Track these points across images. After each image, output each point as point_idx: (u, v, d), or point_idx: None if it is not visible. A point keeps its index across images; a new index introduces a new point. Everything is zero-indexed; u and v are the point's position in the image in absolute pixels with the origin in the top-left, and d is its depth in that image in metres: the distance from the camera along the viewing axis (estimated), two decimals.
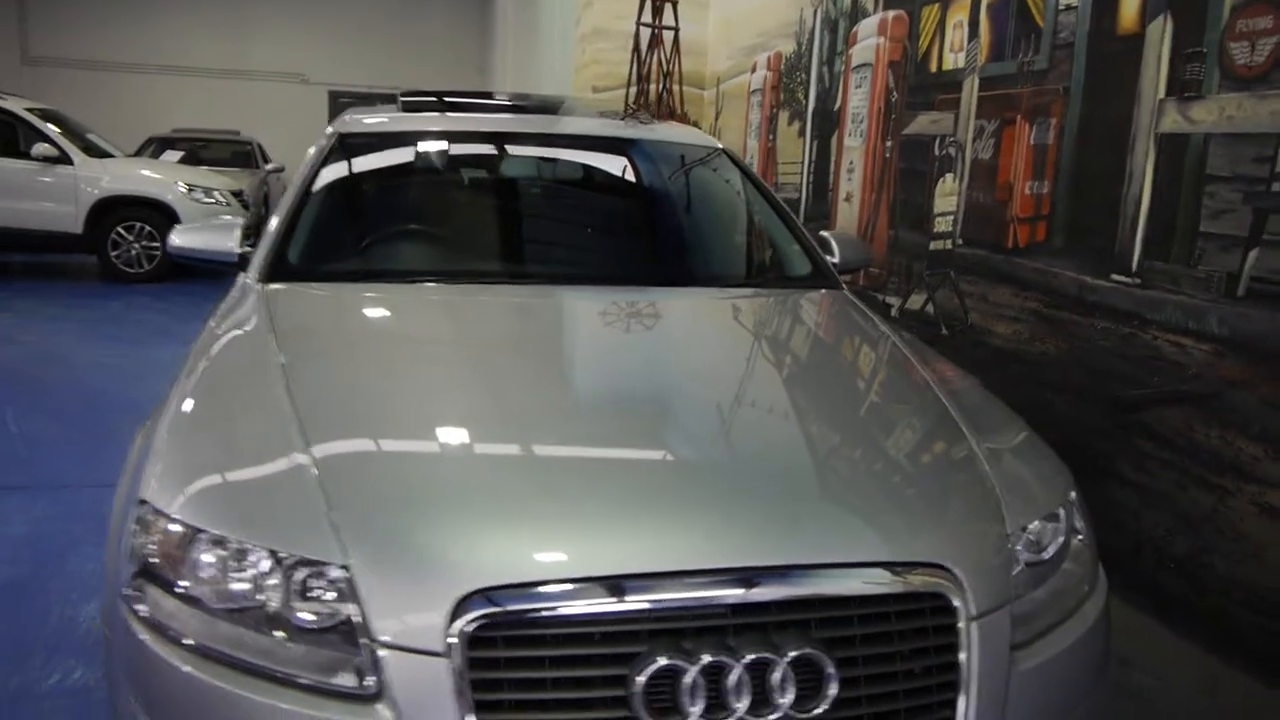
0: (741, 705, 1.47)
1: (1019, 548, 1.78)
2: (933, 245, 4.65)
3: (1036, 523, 1.85)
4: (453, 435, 1.86)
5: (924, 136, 4.75)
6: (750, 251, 3.31)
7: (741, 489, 1.71)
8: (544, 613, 1.47)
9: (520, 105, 3.75)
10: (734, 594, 1.51)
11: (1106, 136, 3.58)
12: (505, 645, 1.46)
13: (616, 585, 1.49)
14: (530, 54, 11.11)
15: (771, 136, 6.48)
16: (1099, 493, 3.57)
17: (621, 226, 3.28)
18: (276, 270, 2.72)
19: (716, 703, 1.47)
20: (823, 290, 2.92)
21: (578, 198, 3.36)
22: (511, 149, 3.34)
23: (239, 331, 2.36)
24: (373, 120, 3.35)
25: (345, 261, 2.87)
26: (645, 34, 7.44)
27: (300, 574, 1.52)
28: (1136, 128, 3.44)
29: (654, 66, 7.47)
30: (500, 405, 1.97)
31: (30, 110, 9.91)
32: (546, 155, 3.36)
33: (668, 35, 7.48)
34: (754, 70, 6.80)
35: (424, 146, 3.28)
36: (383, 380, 2.08)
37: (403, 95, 3.66)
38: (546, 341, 2.42)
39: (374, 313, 2.55)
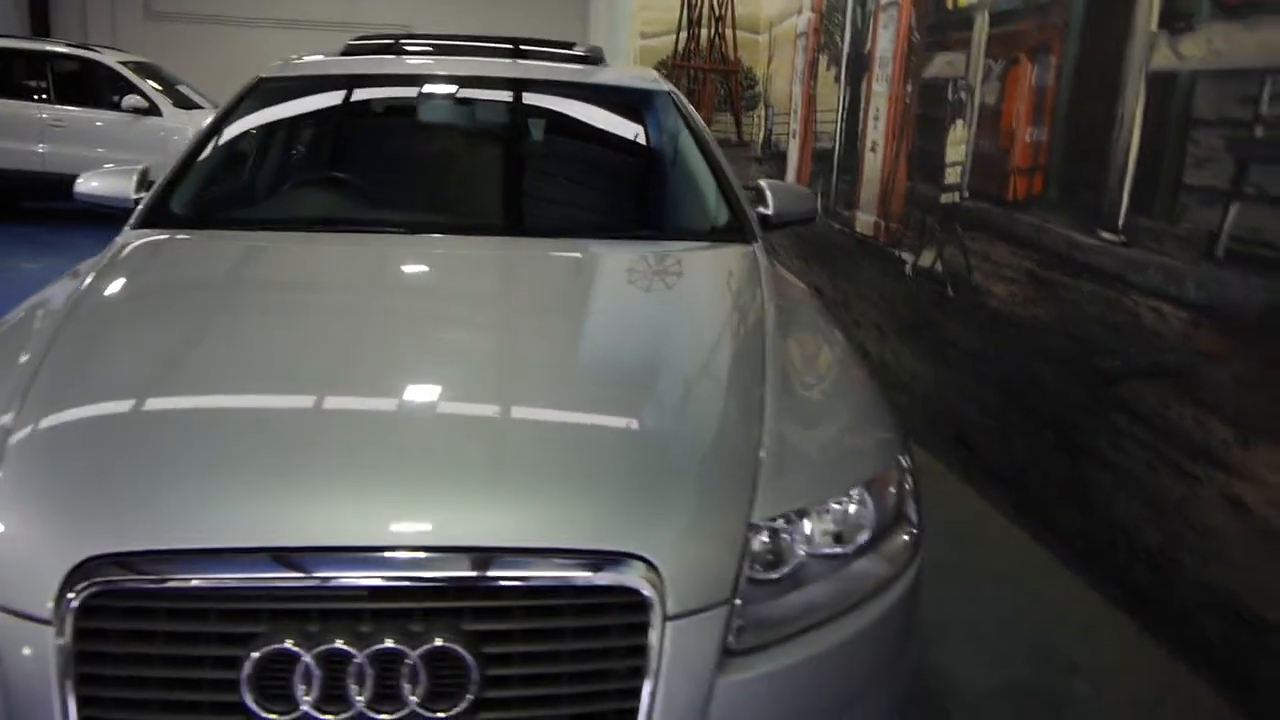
0: (361, 699, 1.33)
1: (767, 539, 1.55)
2: (943, 198, 4.29)
3: (816, 511, 1.62)
4: (182, 395, 1.75)
5: (940, 80, 4.37)
6: (663, 202, 3.07)
7: (444, 463, 1.55)
8: (158, 584, 1.36)
9: (477, 48, 3.58)
10: (368, 575, 1.37)
11: (1099, 77, 3.18)
12: (118, 617, 1.36)
13: (238, 558, 1.37)
14: (611, 2, 10.88)
15: (812, 82, 6.12)
16: (1073, 472, 3.23)
17: (530, 175, 3.09)
18: (152, 217, 2.66)
19: (338, 694, 1.33)
20: (729, 245, 2.67)
21: (492, 145, 3.18)
22: (435, 93, 3.19)
23: (65, 280, 2.30)
24: (299, 64, 3.25)
25: (225, 209, 2.81)
26: None
27: None
28: (1128, 66, 3.03)
29: (705, 10, 7.17)
30: (267, 363, 1.86)
31: (124, 63, 10.27)
32: (471, 100, 3.19)
33: None
34: (800, 12, 6.43)
35: (339, 91, 3.16)
36: (163, 336, 1.99)
37: (352, 40, 3.54)
38: (373, 295, 2.28)
39: (216, 262, 2.46)
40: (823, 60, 5.96)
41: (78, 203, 2.92)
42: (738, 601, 1.48)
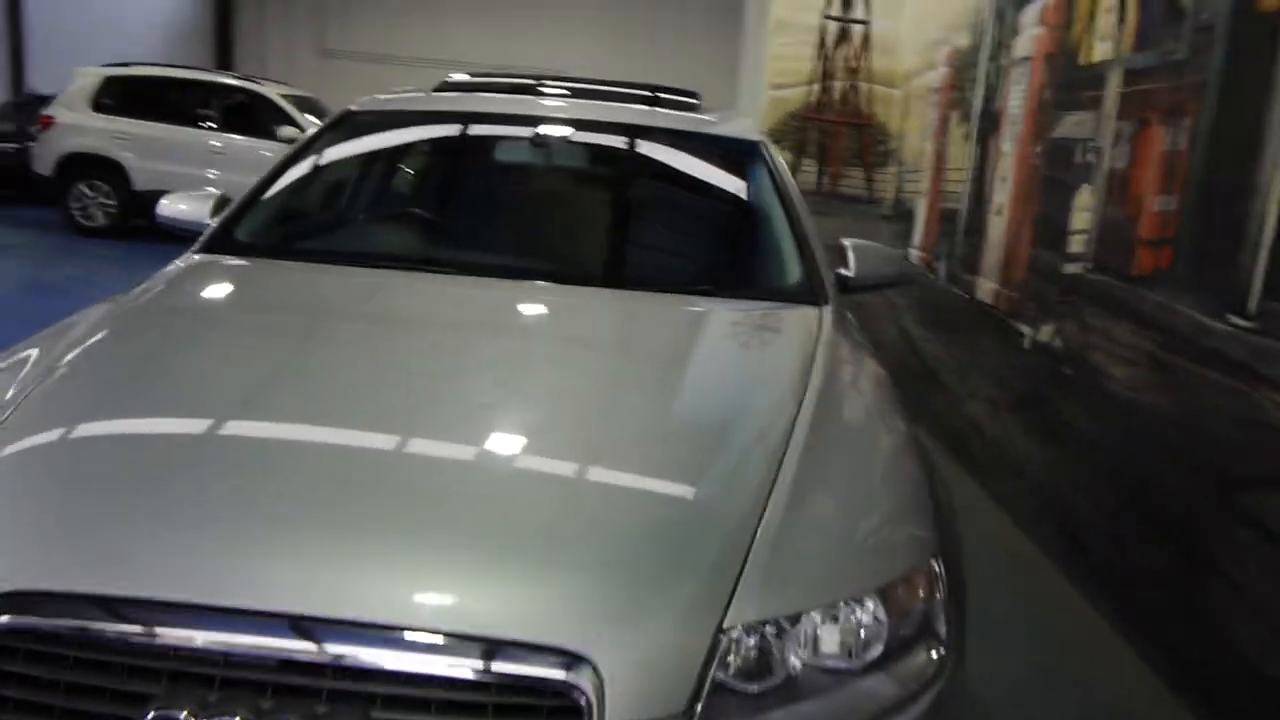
0: None
1: (753, 644, 1.36)
2: (1065, 268, 3.96)
3: (816, 616, 1.41)
4: (156, 426, 1.68)
5: (1069, 141, 4.06)
6: (729, 257, 2.88)
7: (389, 529, 1.41)
8: (65, 630, 1.27)
9: (577, 89, 3.50)
10: (277, 645, 1.24)
11: (1236, 140, 2.85)
12: (25, 661, 1.27)
13: (150, 611, 1.27)
14: (757, 50, 10.81)
15: (943, 140, 5.84)
16: (1192, 588, 2.86)
17: (597, 221, 2.96)
18: (215, 242, 2.65)
19: None
20: (794, 307, 2.46)
21: (564, 187, 3.08)
22: (513, 133, 3.11)
23: (108, 300, 2.30)
24: (388, 99, 3.24)
25: (290, 239, 2.77)
26: (832, 29, 6.97)
27: None
28: (1268, 129, 2.70)
29: (840, 63, 6.98)
30: (258, 398, 1.77)
31: (285, 96, 10.78)
32: (548, 141, 3.10)
33: (856, 30, 6.97)
34: (934, 67, 6.17)
35: (420, 128, 3.13)
36: (162, 362, 1.93)
37: (448, 79, 3.52)
38: (399, 336, 2.18)
39: (254, 290, 2.42)
40: (954, 117, 5.68)
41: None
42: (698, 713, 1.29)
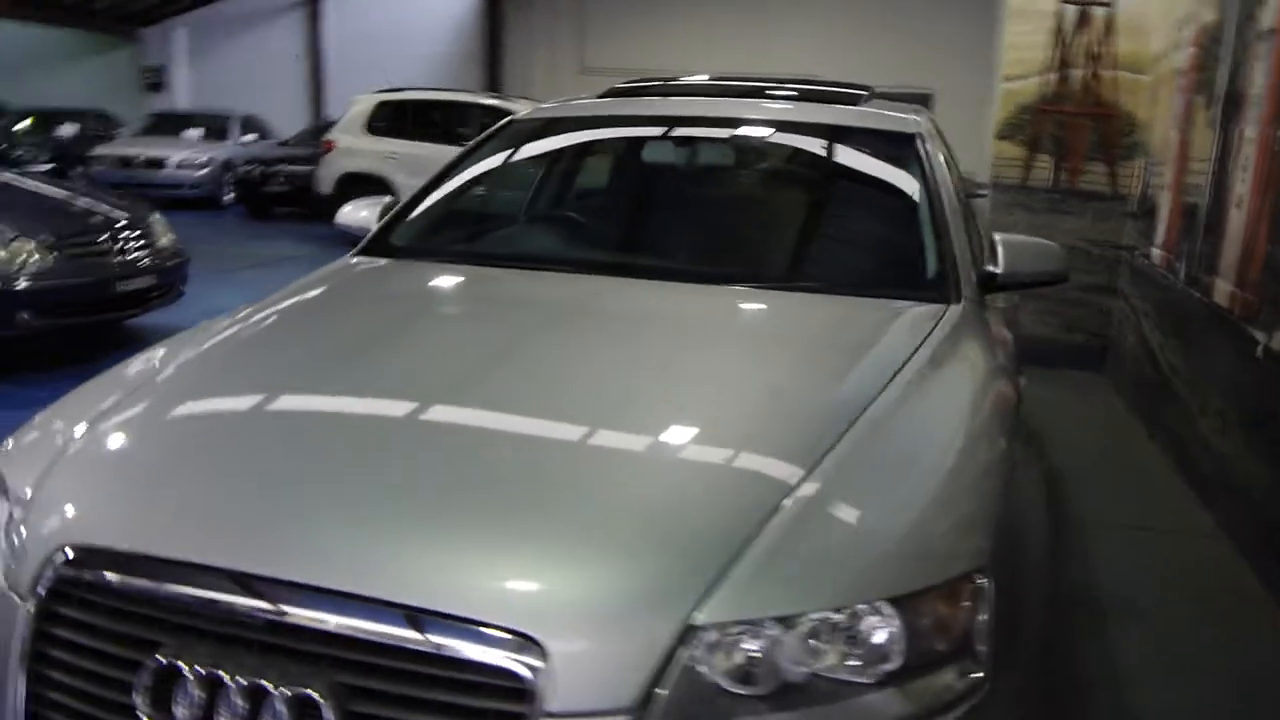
0: None
1: (748, 643, 1.30)
2: None
3: (815, 620, 1.34)
4: (240, 410, 1.83)
5: None
6: (861, 252, 2.75)
7: (396, 508, 1.47)
8: (100, 582, 1.43)
9: (733, 90, 3.48)
10: (261, 607, 1.34)
11: None
12: (76, 606, 1.44)
13: (162, 568, 1.41)
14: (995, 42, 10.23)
15: (1187, 128, 5.28)
16: None
17: (735, 220, 2.91)
18: (373, 245, 2.84)
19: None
20: (919, 304, 2.33)
21: (705, 187, 3.06)
22: (663, 135, 3.13)
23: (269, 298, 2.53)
24: (552, 106, 3.36)
25: (445, 242, 2.91)
26: (1071, 13, 6.48)
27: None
28: None
29: (1080, 49, 6.49)
30: (357, 390, 1.88)
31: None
32: (697, 142, 3.11)
33: (1099, 13, 6.45)
34: (1179, 47, 5.59)
35: (577, 133, 3.22)
36: (284, 354, 2.09)
37: (615, 85, 3.60)
38: (496, 326, 2.25)
39: (390, 288, 2.57)
40: (1198, 102, 5.13)
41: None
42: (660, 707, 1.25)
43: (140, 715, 1.34)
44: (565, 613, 1.30)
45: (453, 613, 1.28)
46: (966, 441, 1.79)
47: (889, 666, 1.37)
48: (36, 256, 5.44)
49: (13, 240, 5.38)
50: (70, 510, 1.56)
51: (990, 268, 2.57)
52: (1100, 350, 6.63)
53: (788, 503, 1.48)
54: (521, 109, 10.96)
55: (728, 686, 1.31)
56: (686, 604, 1.30)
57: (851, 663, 1.36)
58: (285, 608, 1.33)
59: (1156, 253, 5.66)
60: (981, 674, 1.43)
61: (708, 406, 1.83)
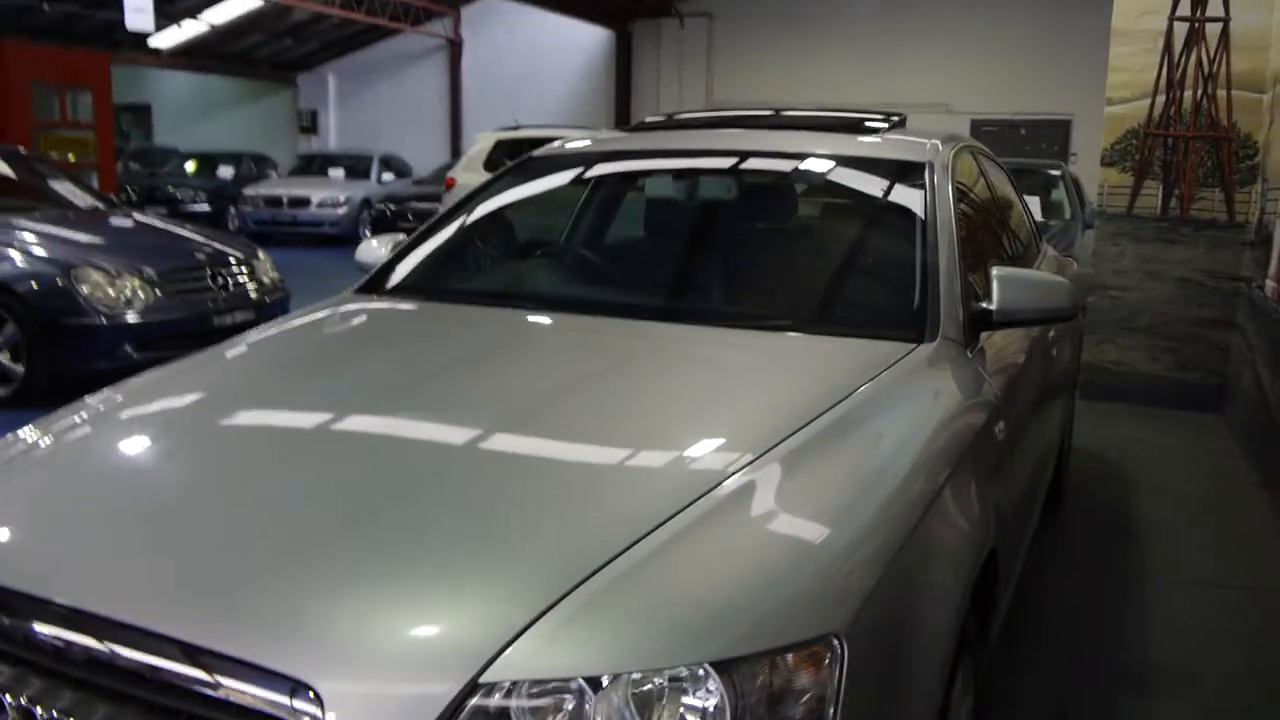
0: None
1: (511, 700, 1.24)
2: None
3: (622, 679, 1.26)
4: (135, 446, 1.92)
5: None
6: (835, 290, 2.61)
7: (225, 549, 1.48)
8: None
9: (758, 122, 3.40)
10: (73, 640, 1.37)
11: None
12: None
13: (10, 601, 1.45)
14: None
15: None
16: None
17: (724, 258, 2.82)
18: (371, 283, 2.89)
19: None
20: (879, 342, 2.22)
21: (709, 223, 2.98)
22: (666, 169, 3.09)
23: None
24: (575, 141, 3.36)
25: (435, 281, 2.93)
26: (1182, 31, 6.10)
27: None
28: None
29: (1190, 68, 6.11)
30: (236, 428, 1.93)
31: None
32: (699, 178, 3.05)
33: (1212, 29, 6.06)
34: None
35: (586, 169, 3.21)
36: (207, 393, 2.12)
37: (643, 119, 3.58)
38: (450, 370, 2.23)
39: (353, 328, 2.59)
40: None
41: None
42: None
43: None
44: (344, 660, 1.26)
45: (229, 654, 1.27)
46: (859, 495, 1.67)
47: None
48: (141, 293, 5.80)
49: (118, 277, 5.75)
50: None
51: (984, 305, 2.41)
52: (1216, 390, 6.17)
53: (633, 550, 1.42)
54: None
55: None
56: (478, 661, 1.25)
57: None
58: (89, 641, 1.35)
59: (1271, 285, 5.23)
60: None
61: (602, 442, 1.79)
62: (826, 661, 1.36)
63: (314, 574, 1.40)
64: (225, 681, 1.26)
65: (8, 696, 1.35)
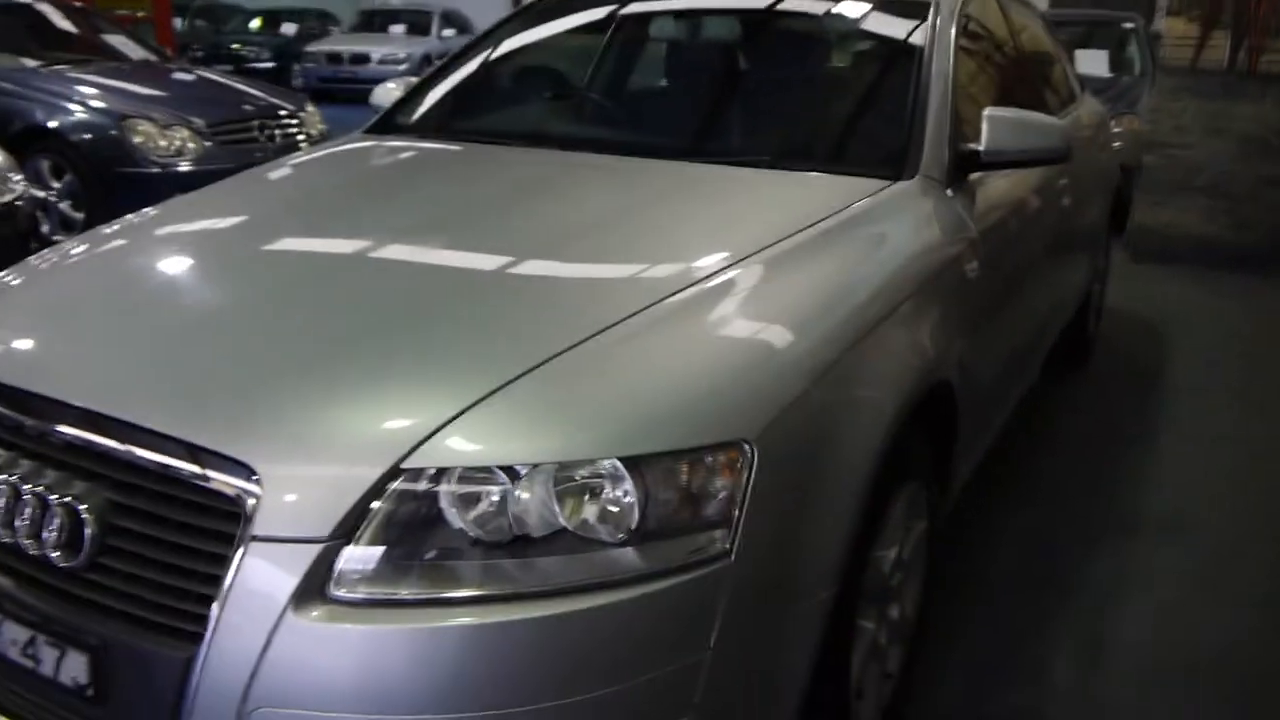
0: (19, 524, 1.48)
1: (439, 485, 1.36)
2: None
3: (541, 469, 1.37)
4: (148, 261, 2.04)
5: None
6: (819, 128, 2.61)
7: (204, 347, 1.62)
8: None
9: None
10: (51, 428, 1.52)
11: None
12: None
13: (4, 393, 1.60)
14: None
15: None
16: None
17: (716, 95, 2.83)
18: (379, 124, 2.97)
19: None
20: (853, 177, 2.25)
21: (707, 61, 2.97)
22: (670, 9, 3.07)
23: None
24: None
25: (443, 119, 2.99)
26: None
27: None
28: None
29: None
30: (250, 248, 2.05)
31: None
32: (701, 20, 3.03)
33: None
34: None
35: (592, 11, 3.19)
36: (224, 219, 2.26)
37: None
38: (442, 197, 2.32)
39: (363, 163, 2.69)
40: None
41: None
42: (348, 547, 1.33)
43: None
44: (280, 443, 1.39)
45: (174, 434, 1.41)
46: (796, 311, 1.73)
47: (622, 527, 1.38)
48: (191, 143, 5.95)
49: (168, 127, 5.90)
50: None
51: (972, 145, 2.40)
52: (1272, 252, 5.99)
53: (571, 352, 1.52)
54: None
55: (461, 527, 1.36)
56: (401, 447, 1.37)
57: (582, 519, 1.38)
58: (66, 429, 1.50)
59: None
60: (727, 546, 1.42)
61: (572, 260, 1.89)
62: (737, 465, 1.45)
63: (273, 374, 1.53)
64: (179, 465, 1.40)
65: (28, 487, 1.50)
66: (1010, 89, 3.18)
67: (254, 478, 1.35)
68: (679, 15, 3.11)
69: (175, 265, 2.04)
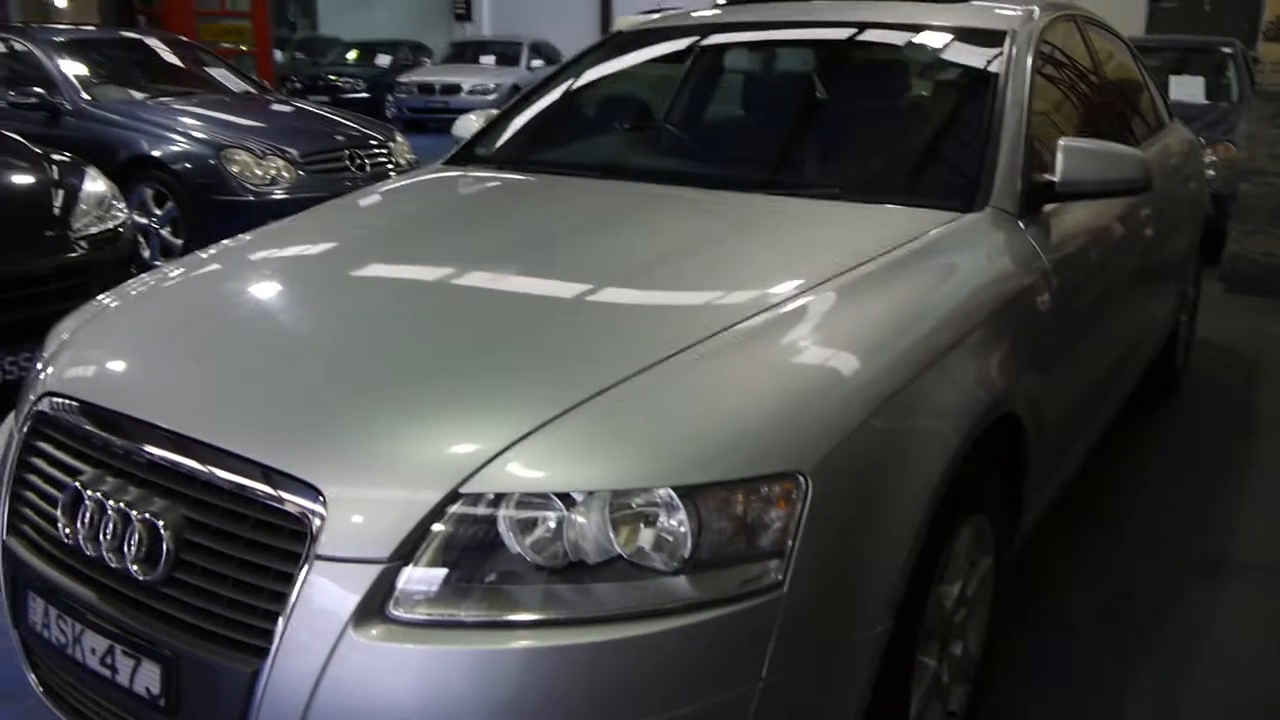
0: (104, 539, 1.55)
1: (495, 511, 1.39)
2: None
3: (598, 496, 1.40)
4: (238, 295, 2.12)
5: None
6: (892, 159, 2.59)
7: (284, 377, 1.69)
8: (58, 420, 1.73)
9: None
10: (140, 448, 1.59)
11: None
12: (45, 439, 1.75)
13: (97, 413, 1.69)
14: None
15: None
16: None
17: (792, 127, 2.85)
18: (459, 155, 3.05)
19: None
20: (926, 209, 2.24)
21: (785, 94, 2.99)
22: (748, 42, 3.10)
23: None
24: (666, 15, 3.40)
25: (521, 149, 3.05)
26: None
27: None
28: None
29: None
30: (335, 281, 2.11)
31: None
32: (786, 47, 3.05)
33: None
34: None
35: (674, 43, 3.24)
36: (311, 252, 2.34)
37: None
38: (514, 227, 2.38)
39: (442, 195, 2.76)
40: None
41: None
42: (407, 568, 1.37)
43: (59, 523, 1.63)
44: (346, 466, 1.44)
45: (250, 456, 1.47)
46: (859, 343, 1.73)
47: (676, 556, 1.40)
48: (285, 172, 6.18)
49: (264, 157, 6.13)
50: (63, 362, 1.88)
51: (1047, 176, 2.37)
52: None
53: (634, 379, 1.55)
54: None
55: (520, 552, 1.39)
56: (461, 471, 1.40)
57: (637, 547, 1.40)
58: (153, 449, 1.57)
59: None
60: (780, 577, 1.43)
61: (637, 291, 1.95)
62: (791, 496, 1.46)
63: (343, 399, 1.59)
64: (252, 485, 1.46)
65: (89, 491, 1.59)
66: (1092, 118, 3.13)
67: (320, 499, 1.40)
68: (752, 47, 3.13)
69: (258, 293, 2.12)
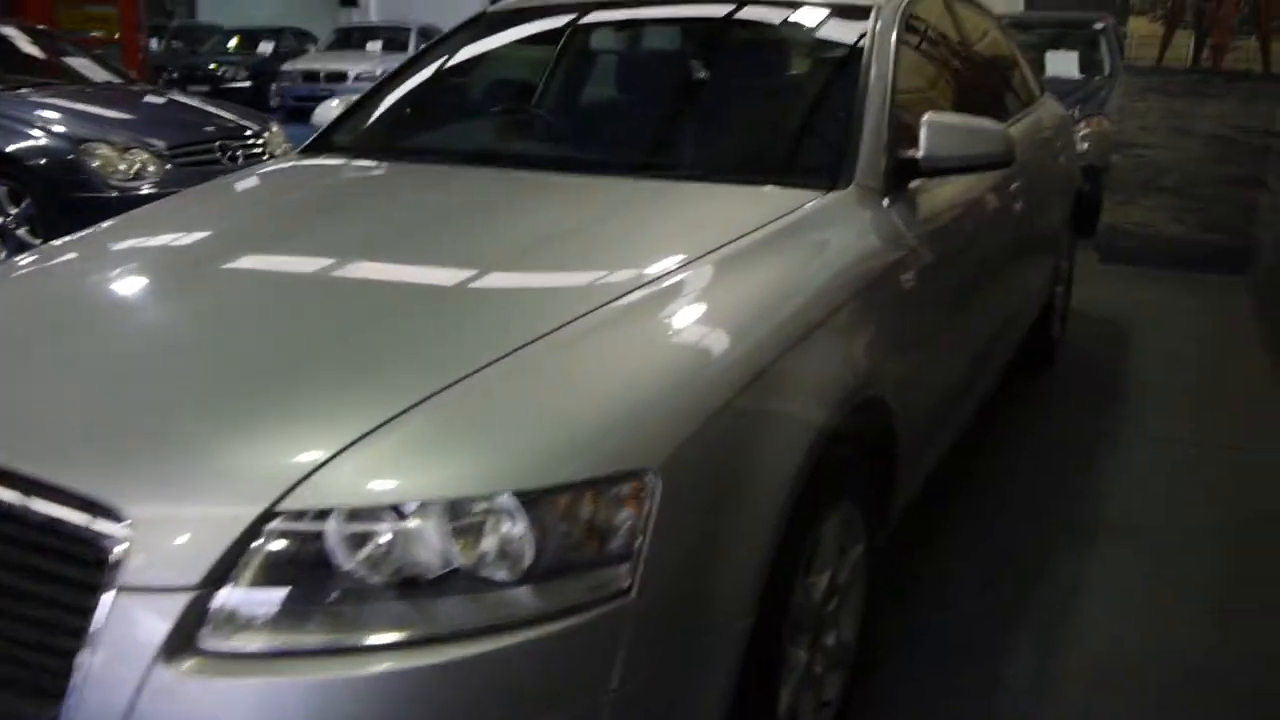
0: None
1: (282, 530, 1.28)
2: None
3: (429, 507, 1.30)
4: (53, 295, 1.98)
5: None
6: (762, 139, 2.56)
7: (86, 385, 1.56)
8: None
9: None
10: None
11: None
12: None
13: None
14: None
15: None
16: None
17: (651, 108, 2.80)
18: (316, 143, 2.91)
19: None
20: (797, 189, 2.19)
21: (645, 75, 2.92)
22: (611, 22, 3.02)
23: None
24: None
25: (379, 136, 2.93)
26: None
27: None
28: None
29: None
30: (165, 279, 2.00)
31: None
32: (648, 26, 2.98)
33: None
34: None
35: (542, 25, 3.15)
36: (138, 249, 2.20)
37: None
38: (361, 221, 2.26)
39: (292, 183, 2.63)
40: None
41: None
42: (221, 594, 1.26)
43: None
44: (151, 485, 1.32)
45: (37, 477, 1.33)
46: (710, 333, 1.67)
47: (518, 566, 1.32)
48: (151, 166, 5.88)
49: (127, 150, 5.83)
50: None
51: (911, 152, 2.35)
52: (1241, 251, 5.96)
53: (466, 380, 1.45)
54: None
55: (348, 570, 1.30)
56: (279, 485, 1.29)
57: (476, 558, 1.32)
58: None
59: None
60: (628, 582, 1.36)
61: (486, 284, 1.85)
62: (638, 497, 1.38)
63: (153, 411, 1.46)
64: (43, 510, 1.33)
65: None
66: (961, 93, 3.14)
67: (122, 522, 1.28)
68: (621, 27, 3.05)
69: (70, 298, 1.96)
